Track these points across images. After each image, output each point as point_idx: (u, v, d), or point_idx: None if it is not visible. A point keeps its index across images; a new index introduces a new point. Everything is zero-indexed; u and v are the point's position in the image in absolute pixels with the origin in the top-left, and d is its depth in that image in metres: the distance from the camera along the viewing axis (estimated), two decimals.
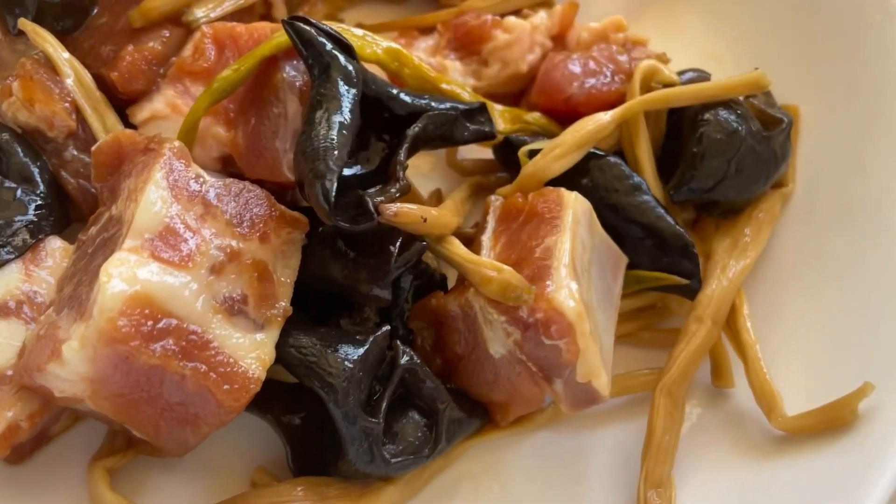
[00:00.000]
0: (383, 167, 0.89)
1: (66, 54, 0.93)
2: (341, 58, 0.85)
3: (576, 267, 0.82)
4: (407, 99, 0.90)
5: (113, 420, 0.78)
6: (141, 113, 0.93)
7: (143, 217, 0.76)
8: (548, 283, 0.81)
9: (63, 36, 0.95)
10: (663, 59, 1.05)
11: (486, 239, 0.90)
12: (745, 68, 1.00)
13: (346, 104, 0.84)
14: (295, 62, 0.89)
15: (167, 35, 0.96)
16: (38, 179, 0.90)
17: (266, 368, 0.78)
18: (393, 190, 0.84)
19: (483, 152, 1.04)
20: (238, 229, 0.80)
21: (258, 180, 0.87)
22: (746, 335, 0.91)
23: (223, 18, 0.98)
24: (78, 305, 0.75)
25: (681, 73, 1.01)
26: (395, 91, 0.90)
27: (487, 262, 0.83)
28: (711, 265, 0.95)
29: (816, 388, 0.87)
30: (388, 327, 0.84)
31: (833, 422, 0.83)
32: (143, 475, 0.87)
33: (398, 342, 0.84)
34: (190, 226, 0.78)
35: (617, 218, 0.93)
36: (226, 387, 0.76)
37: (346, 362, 0.80)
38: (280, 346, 0.80)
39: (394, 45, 0.95)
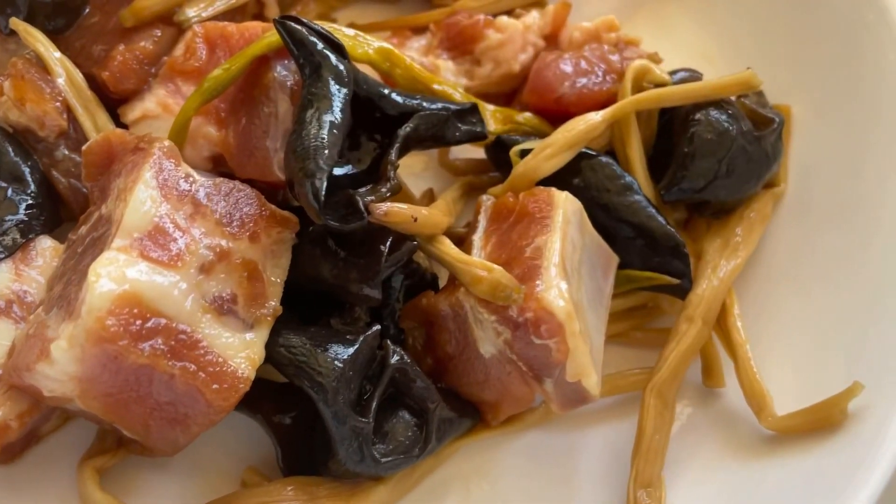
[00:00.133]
0: (374, 167, 0.89)
1: (58, 54, 0.93)
2: (332, 57, 0.85)
3: (566, 266, 0.82)
4: (398, 99, 0.90)
5: (103, 419, 0.78)
6: (132, 112, 0.93)
7: (133, 216, 0.76)
8: (537, 282, 0.81)
9: (54, 35, 0.95)
10: (655, 58, 1.06)
11: (477, 238, 0.90)
12: (736, 68, 1.00)
13: (337, 104, 0.84)
14: (286, 62, 0.89)
15: (159, 34, 0.96)
16: (29, 179, 0.90)
17: (255, 368, 0.78)
18: (384, 189, 0.84)
19: (475, 152, 1.04)
20: (228, 229, 0.80)
21: (249, 179, 0.87)
22: (737, 335, 0.91)
23: (215, 18, 0.98)
24: (67, 305, 0.75)
25: (672, 73, 1.01)
26: (386, 91, 0.90)
27: (478, 262, 0.83)
28: (702, 265, 0.95)
29: (806, 388, 0.87)
30: (378, 327, 0.84)
31: (822, 421, 0.83)
32: (133, 475, 0.87)
33: (388, 342, 0.84)
34: (179, 225, 0.78)
35: (608, 217, 0.93)
36: (215, 386, 0.76)
37: (335, 362, 0.80)
38: (270, 346, 0.80)
39: (385, 44, 0.95)
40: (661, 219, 0.93)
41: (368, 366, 0.83)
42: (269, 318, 0.81)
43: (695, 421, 0.92)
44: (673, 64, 1.05)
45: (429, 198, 1.04)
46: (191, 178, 0.81)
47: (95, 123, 0.92)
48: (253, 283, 0.80)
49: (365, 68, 0.93)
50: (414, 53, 1.08)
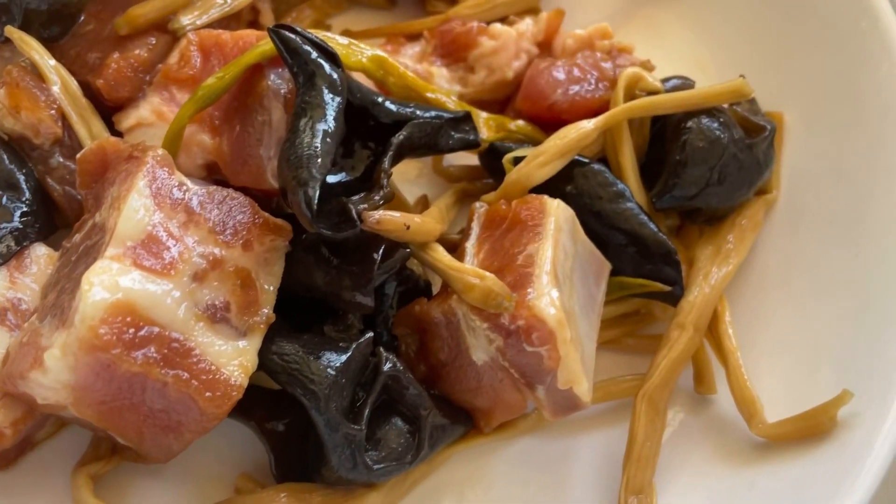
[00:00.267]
0: (368, 174, 0.89)
1: (53, 61, 0.93)
2: (326, 66, 0.86)
3: (557, 274, 0.83)
4: (392, 107, 0.91)
5: (97, 427, 0.78)
6: (127, 120, 0.93)
7: (126, 225, 0.77)
8: (529, 290, 0.81)
9: (49, 43, 0.96)
10: (648, 66, 1.06)
11: (470, 246, 0.90)
12: (729, 75, 1.00)
13: (331, 112, 0.84)
14: (280, 70, 0.89)
15: (153, 42, 0.96)
16: (24, 186, 0.90)
17: (248, 376, 0.79)
18: (377, 197, 0.84)
19: (469, 158, 1.04)
20: (221, 237, 0.81)
21: (243, 187, 0.88)
22: (728, 342, 0.91)
23: (209, 26, 0.98)
24: (60, 313, 0.76)
25: (665, 81, 1.02)
26: (380, 99, 0.90)
27: (470, 270, 0.84)
28: (694, 272, 0.95)
29: (796, 395, 0.87)
30: (371, 334, 0.84)
31: (812, 429, 0.84)
32: (127, 482, 0.87)
33: (381, 349, 0.84)
34: (172, 234, 0.78)
35: (600, 225, 0.93)
36: (208, 394, 0.76)
37: (328, 369, 0.80)
38: (263, 354, 0.80)
39: (379, 52, 0.95)
40: (652, 226, 0.93)
41: (361, 373, 0.84)
42: (262, 326, 0.81)
43: (686, 427, 0.93)
44: (666, 71, 1.05)
45: (423, 204, 1.04)
46: (184, 187, 0.81)
47: (90, 131, 0.93)
48: (246, 291, 0.81)
49: (359, 76, 0.93)
50: (408, 60, 1.08)
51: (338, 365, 0.81)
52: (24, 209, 0.89)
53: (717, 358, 0.93)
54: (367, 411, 0.82)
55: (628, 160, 0.97)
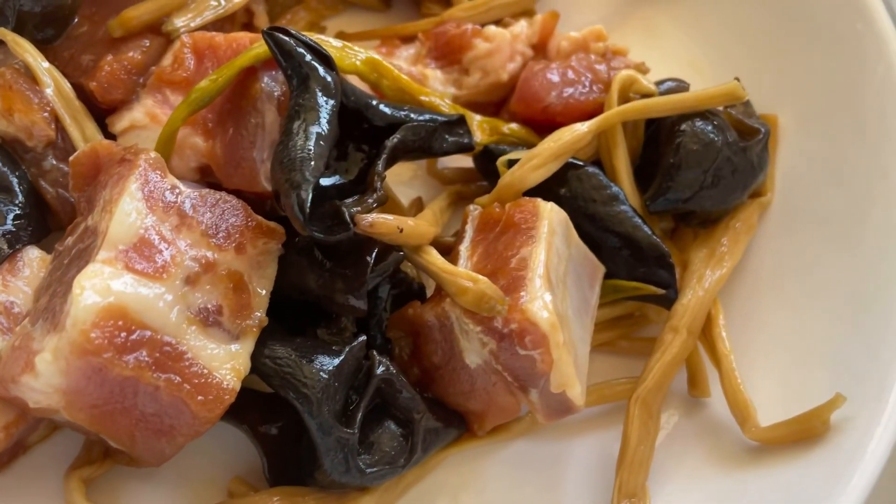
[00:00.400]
0: (361, 177, 0.89)
1: (46, 64, 0.93)
2: (320, 69, 0.86)
3: (551, 277, 0.83)
4: (386, 110, 0.91)
5: (89, 430, 0.78)
6: (120, 122, 0.93)
7: (118, 228, 0.76)
8: (522, 293, 0.81)
9: (43, 45, 0.95)
10: (642, 68, 1.06)
11: (463, 249, 0.90)
12: (724, 78, 1.00)
13: (324, 115, 0.84)
14: (273, 73, 0.89)
15: (147, 44, 0.96)
16: (17, 189, 0.90)
17: (241, 379, 0.78)
18: (370, 200, 0.84)
19: (463, 161, 1.04)
20: (213, 240, 0.81)
21: (236, 190, 0.88)
22: (721, 345, 0.91)
23: (203, 27, 0.98)
24: (52, 317, 0.75)
25: (659, 83, 1.02)
26: (374, 102, 0.90)
27: (463, 273, 0.83)
28: (688, 275, 0.95)
29: (790, 399, 0.87)
30: (364, 338, 0.84)
31: (805, 432, 0.84)
32: (119, 485, 0.87)
33: (374, 352, 0.84)
34: (165, 237, 0.78)
35: (594, 227, 0.93)
36: (200, 398, 0.76)
37: (321, 373, 0.80)
38: (256, 357, 0.80)
39: (373, 55, 0.95)
40: (647, 229, 0.93)
41: (354, 376, 0.84)
42: (254, 329, 0.81)
43: (680, 430, 0.93)
44: (661, 73, 1.05)
45: (417, 206, 1.04)
46: (176, 190, 0.81)
47: (83, 133, 0.93)
48: (239, 295, 0.81)
49: (353, 79, 0.93)
50: (402, 62, 1.08)
51: (331, 368, 0.81)
52: (17, 212, 0.89)
53: (710, 361, 0.93)
54: (360, 415, 0.82)
55: (622, 163, 0.97)
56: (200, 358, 0.77)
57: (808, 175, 1.02)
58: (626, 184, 0.96)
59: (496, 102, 1.10)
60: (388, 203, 0.91)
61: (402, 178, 1.07)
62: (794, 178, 1.03)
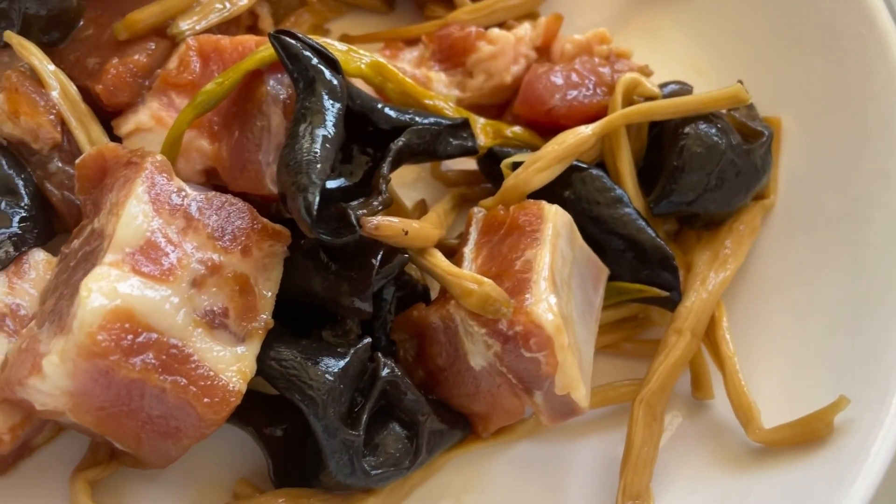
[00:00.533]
0: (366, 180, 0.89)
1: (52, 66, 0.93)
2: (326, 72, 0.86)
3: (555, 280, 0.83)
4: (391, 113, 0.91)
5: (95, 432, 0.78)
6: (126, 125, 0.94)
7: (124, 231, 0.77)
8: (527, 296, 0.81)
9: (49, 48, 0.96)
10: (646, 71, 1.06)
11: (468, 251, 0.90)
12: (727, 80, 1.01)
13: (330, 118, 0.84)
14: (279, 76, 0.89)
15: (152, 47, 0.96)
16: (23, 192, 0.90)
17: (247, 381, 0.79)
18: (375, 203, 0.84)
19: (467, 163, 1.04)
20: (220, 243, 0.81)
21: (242, 193, 0.88)
22: (725, 347, 0.92)
23: (208, 30, 0.98)
24: (58, 319, 0.76)
25: (663, 86, 1.02)
26: (379, 105, 0.91)
27: (468, 275, 0.84)
28: (691, 277, 0.95)
29: (793, 401, 0.87)
30: (369, 340, 0.84)
31: (809, 435, 0.84)
32: (125, 487, 0.87)
33: (379, 354, 0.84)
34: (171, 239, 0.79)
35: (598, 230, 0.94)
36: (206, 400, 0.76)
37: (326, 375, 0.80)
38: (261, 359, 0.81)
39: (378, 58, 0.96)
40: (650, 231, 0.94)
41: (359, 378, 0.84)
42: (260, 332, 0.81)
43: (683, 432, 0.93)
44: (664, 76, 1.05)
45: (420, 209, 1.04)
46: (183, 193, 0.82)
47: (89, 136, 0.93)
48: (244, 297, 0.81)
49: (357, 82, 0.93)
50: (406, 65, 1.08)
51: (336, 370, 0.81)
52: (23, 214, 0.89)
53: (714, 363, 0.93)
54: (365, 417, 0.82)
55: (626, 165, 0.97)
56: (206, 360, 0.77)
57: (811, 177, 1.02)
58: (629, 186, 0.96)
59: (500, 105, 1.10)
60: (392, 206, 0.91)
61: (405, 181, 1.07)
62: (797, 180, 1.03)
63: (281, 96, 0.88)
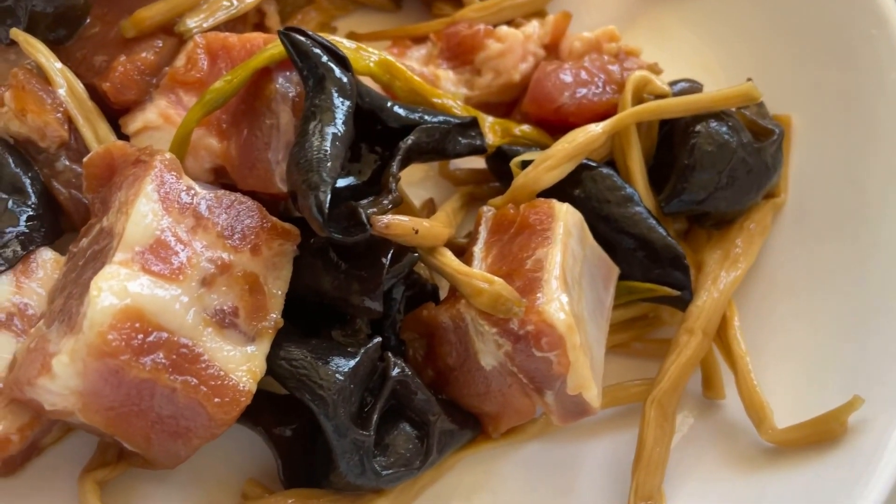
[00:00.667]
0: (375, 179, 0.89)
1: (59, 64, 0.93)
2: (336, 70, 0.85)
3: (567, 279, 0.83)
4: (401, 112, 0.90)
5: (104, 433, 0.78)
6: (133, 123, 0.93)
7: (134, 230, 0.76)
8: (538, 295, 0.81)
9: (55, 46, 0.95)
10: (655, 69, 1.06)
11: (477, 250, 0.90)
12: (736, 78, 1.00)
13: (340, 116, 0.84)
14: (288, 73, 0.89)
15: (160, 45, 0.96)
16: (30, 190, 0.90)
17: (257, 381, 0.78)
18: (385, 201, 0.84)
19: (475, 161, 1.04)
20: (229, 241, 0.80)
21: (251, 191, 0.87)
22: (737, 347, 0.91)
23: (216, 28, 0.98)
24: (68, 319, 0.75)
25: (672, 84, 1.01)
26: (389, 104, 0.90)
27: (479, 274, 0.83)
28: (703, 277, 0.95)
29: (806, 401, 0.87)
30: (379, 339, 0.84)
31: (822, 435, 0.83)
32: (133, 487, 0.86)
33: (389, 354, 0.84)
34: (181, 238, 0.78)
35: (609, 229, 0.93)
36: (216, 400, 0.76)
37: (337, 375, 0.80)
38: (271, 359, 0.80)
39: (386, 56, 0.95)
40: (661, 230, 0.93)
41: (369, 378, 0.83)
42: (270, 331, 0.81)
43: (695, 432, 0.92)
44: (673, 74, 1.05)
45: (429, 208, 1.04)
46: (192, 191, 0.81)
47: (96, 134, 0.92)
48: (254, 296, 0.80)
49: (365, 80, 0.93)
50: (414, 63, 1.08)
51: (346, 370, 0.80)
52: (30, 213, 0.89)
53: (725, 363, 0.92)
54: (375, 417, 0.82)
55: (636, 164, 0.96)
56: (217, 360, 0.76)
57: (822, 176, 1.02)
58: (640, 185, 0.96)
59: (508, 103, 1.10)
60: (401, 204, 0.91)
61: (413, 180, 1.07)
62: (808, 179, 1.03)
63: (290, 94, 0.88)
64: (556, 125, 1.02)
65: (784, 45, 1.09)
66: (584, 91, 1.02)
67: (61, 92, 0.92)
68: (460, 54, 1.09)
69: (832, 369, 0.89)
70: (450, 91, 1.05)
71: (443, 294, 0.92)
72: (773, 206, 1.01)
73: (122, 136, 0.94)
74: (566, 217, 0.86)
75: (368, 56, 0.94)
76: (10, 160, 0.90)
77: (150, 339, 0.74)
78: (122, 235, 0.76)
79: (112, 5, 0.97)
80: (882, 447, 0.79)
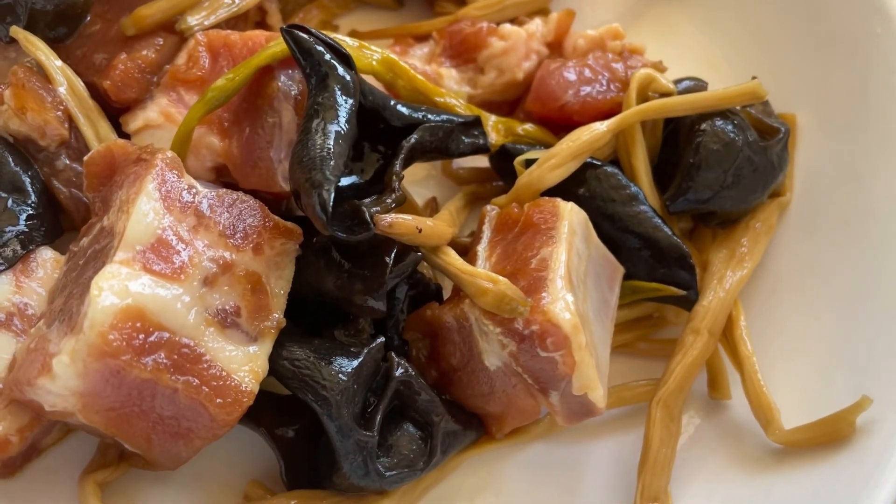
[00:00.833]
0: (378, 178, 0.88)
1: (59, 62, 0.92)
2: (339, 68, 0.85)
3: (572, 278, 0.82)
4: (404, 111, 0.90)
5: (104, 433, 0.77)
6: (134, 121, 0.92)
7: (135, 229, 0.75)
8: (543, 294, 0.80)
9: (55, 44, 0.95)
10: (659, 67, 1.05)
11: (481, 249, 0.89)
12: (741, 76, 0.99)
13: (343, 114, 0.83)
14: (290, 72, 0.88)
15: (161, 43, 0.95)
16: (30, 189, 0.89)
17: (259, 381, 0.78)
18: (389, 200, 0.83)
19: (478, 160, 1.03)
20: (231, 240, 0.80)
21: (252, 190, 0.87)
22: (743, 347, 0.90)
23: (217, 26, 0.97)
24: (68, 319, 0.74)
25: (677, 82, 1.01)
26: (392, 102, 0.90)
27: (483, 274, 0.83)
28: (708, 276, 0.94)
29: (814, 401, 0.86)
30: (382, 339, 0.83)
31: (830, 435, 0.83)
32: (134, 489, 0.86)
33: (393, 354, 0.83)
34: (182, 237, 0.77)
35: (614, 228, 0.92)
36: (218, 400, 0.75)
37: (340, 375, 0.79)
38: (274, 359, 0.79)
39: (389, 55, 0.94)
40: (666, 229, 0.92)
41: (373, 378, 0.83)
42: (272, 331, 0.80)
43: (701, 433, 0.92)
44: (677, 72, 1.04)
45: (432, 207, 1.03)
46: (194, 190, 0.80)
47: (97, 133, 0.92)
48: (256, 296, 0.80)
49: (368, 78, 0.92)
50: (417, 61, 1.07)
51: (349, 370, 0.80)
52: (30, 212, 0.88)
53: (732, 363, 0.92)
54: (378, 417, 0.81)
55: (641, 163, 0.96)
56: (219, 360, 0.76)
57: (828, 175, 1.01)
58: (645, 184, 0.95)
59: (511, 102, 1.09)
60: (404, 203, 0.90)
61: (415, 178, 1.06)
62: (814, 177, 1.02)
63: (292, 92, 0.87)
64: (559, 124, 1.01)
65: (789, 43, 1.09)
66: (587, 89, 1.01)
67: (61, 90, 0.91)
68: (463, 52, 1.08)
69: (840, 369, 0.89)
70: (453, 89, 1.04)
71: (446, 294, 0.92)
72: (779, 204, 1.00)
73: (123, 135, 0.93)
74: (571, 216, 0.86)
75: (371, 54, 0.94)
76: (10, 159, 0.90)
77: (152, 339, 0.73)
78: (123, 234, 0.75)
79: (112, 3, 0.97)
80: (891, 448, 0.79)
